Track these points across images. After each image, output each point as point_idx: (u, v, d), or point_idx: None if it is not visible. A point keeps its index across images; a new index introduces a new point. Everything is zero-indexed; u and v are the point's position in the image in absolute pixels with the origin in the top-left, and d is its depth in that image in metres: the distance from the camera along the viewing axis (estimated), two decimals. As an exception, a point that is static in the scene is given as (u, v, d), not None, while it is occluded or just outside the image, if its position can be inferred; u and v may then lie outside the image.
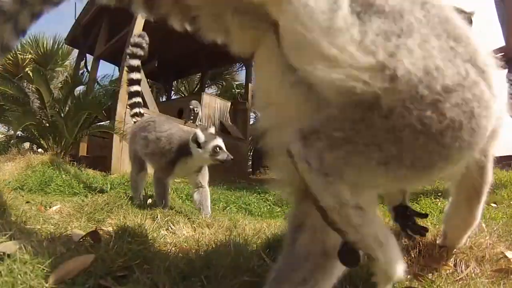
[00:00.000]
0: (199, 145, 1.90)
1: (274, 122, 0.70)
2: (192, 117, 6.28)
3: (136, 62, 2.51)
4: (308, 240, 0.69)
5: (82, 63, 7.34)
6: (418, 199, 2.97)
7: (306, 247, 0.69)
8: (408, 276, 0.91)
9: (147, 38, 2.52)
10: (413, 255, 1.19)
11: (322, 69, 0.52)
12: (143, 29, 5.19)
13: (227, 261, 0.85)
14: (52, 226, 1.25)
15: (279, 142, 0.66)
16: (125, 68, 2.66)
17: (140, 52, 2.48)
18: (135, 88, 2.59)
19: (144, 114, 2.67)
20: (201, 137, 1.89)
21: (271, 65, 0.68)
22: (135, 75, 2.55)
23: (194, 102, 6.46)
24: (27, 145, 5.63)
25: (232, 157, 2.00)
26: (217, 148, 1.92)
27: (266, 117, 0.73)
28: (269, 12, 0.61)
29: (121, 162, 4.47)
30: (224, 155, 1.94)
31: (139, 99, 2.61)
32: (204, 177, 2.17)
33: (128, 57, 2.53)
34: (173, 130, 2.15)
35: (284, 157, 0.58)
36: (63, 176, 2.96)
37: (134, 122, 2.53)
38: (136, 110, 2.57)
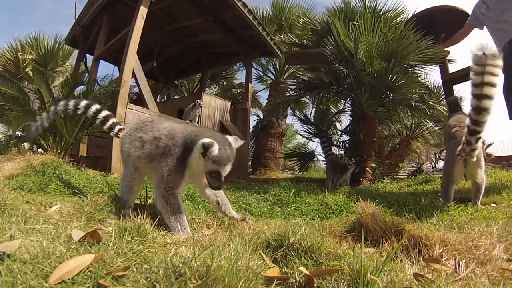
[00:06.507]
0: (205, 153, 1.52)
1: None
2: (197, 113, 6.43)
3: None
4: None
5: (82, 63, 7.34)
6: (418, 200, 2.97)
7: None
8: (408, 276, 0.91)
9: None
10: (413, 255, 1.19)
11: None
12: (143, 29, 5.21)
13: (227, 262, 0.85)
14: (52, 226, 1.25)
15: None
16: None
17: None
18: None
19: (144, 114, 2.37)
20: (215, 150, 1.49)
21: None
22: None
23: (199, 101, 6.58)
24: (27, 145, 5.63)
25: (220, 189, 1.70)
26: (215, 174, 1.58)
27: None
28: None
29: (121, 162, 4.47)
30: (216, 183, 1.59)
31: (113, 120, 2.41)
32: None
33: None
34: (174, 126, 1.80)
35: None
36: (63, 176, 2.95)
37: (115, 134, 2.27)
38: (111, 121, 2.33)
